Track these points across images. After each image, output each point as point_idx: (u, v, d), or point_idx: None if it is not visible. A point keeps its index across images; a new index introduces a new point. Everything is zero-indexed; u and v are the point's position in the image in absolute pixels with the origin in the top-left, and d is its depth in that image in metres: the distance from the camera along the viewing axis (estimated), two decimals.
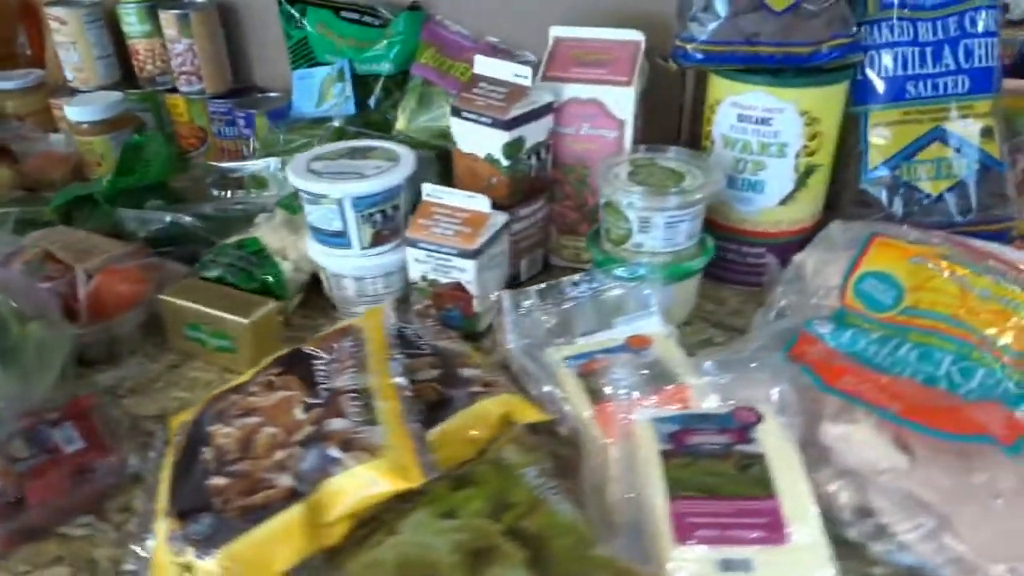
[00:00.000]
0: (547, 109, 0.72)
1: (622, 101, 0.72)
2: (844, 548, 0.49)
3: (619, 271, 0.67)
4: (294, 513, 0.47)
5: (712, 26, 0.68)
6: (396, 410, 0.51)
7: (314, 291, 0.77)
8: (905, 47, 0.69)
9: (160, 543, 0.48)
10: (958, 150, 0.69)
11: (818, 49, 0.67)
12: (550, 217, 0.79)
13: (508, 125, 0.68)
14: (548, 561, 0.42)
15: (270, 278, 0.72)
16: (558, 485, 0.48)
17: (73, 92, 1.11)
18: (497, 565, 0.42)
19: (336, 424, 0.50)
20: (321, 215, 0.69)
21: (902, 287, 0.61)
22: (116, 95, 1.03)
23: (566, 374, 0.60)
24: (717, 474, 0.50)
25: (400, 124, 0.91)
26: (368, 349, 0.57)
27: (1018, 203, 0.73)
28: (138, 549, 0.49)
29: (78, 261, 0.72)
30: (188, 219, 0.81)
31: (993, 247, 0.67)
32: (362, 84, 0.95)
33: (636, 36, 0.74)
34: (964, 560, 0.45)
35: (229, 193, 0.94)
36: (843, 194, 0.75)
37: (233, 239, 0.77)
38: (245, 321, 0.65)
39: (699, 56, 0.69)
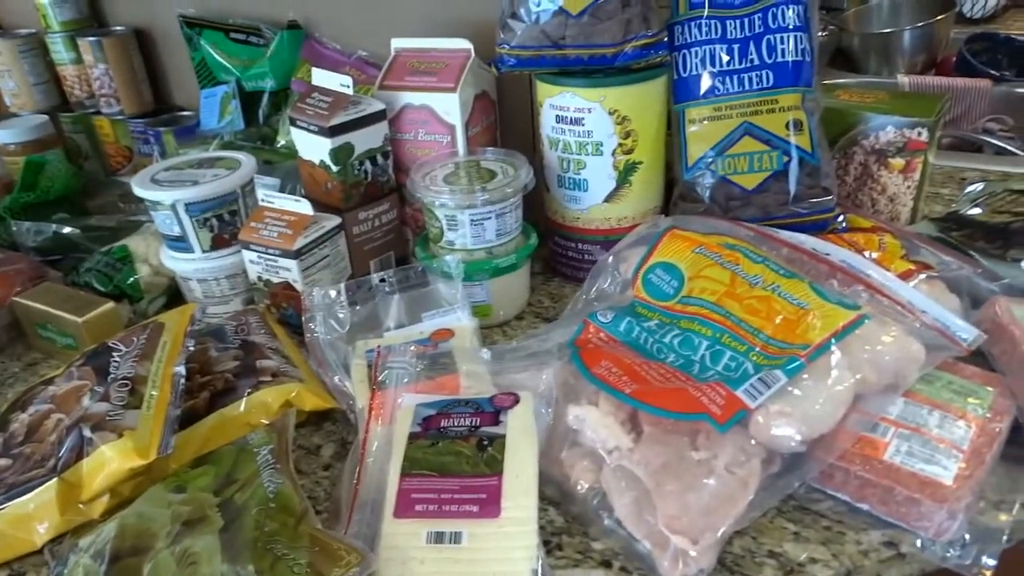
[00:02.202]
0: (377, 117, 0.75)
1: (449, 107, 0.75)
2: (576, 523, 0.51)
3: (432, 267, 0.70)
4: (49, 489, 0.51)
5: (521, 32, 0.70)
6: (162, 396, 0.55)
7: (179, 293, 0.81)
8: (714, 45, 0.71)
9: None
10: (768, 143, 0.70)
11: (621, 49, 0.69)
12: (402, 220, 0.82)
13: (331, 132, 0.72)
14: (238, 529, 0.45)
15: (127, 281, 0.77)
16: (281, 464, 0.50)
17: (12, 117, 1.18)
18: (197, 532, 0.45)
19: (98, 408, 0.54)
20: (161, 221, 0.74)
21: (683, 276, 0.62)
22: (41, 118, 1.09)
23: (359, 365, 0.63)
24: (454, 454, 0.52)
25: (281, 137, 0.95)
26: (163, 342, 0.61)
27: (858, 195, 0.74)
28: None
29: None
30: (68, 229, 0.86)
31: (796, 237, 0.68)
32: (251, 100, 1.00)
33: (465, 45, 0.77)
34: (657, 532, 0.46)
35: (129, 206, 1.00)
36: (674, 190, 0.76)
37: (106, 247, 0.82)
38: (79, 320, 0.70)
39: (513, 61, 0.72)
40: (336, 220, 0.74)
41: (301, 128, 0.75)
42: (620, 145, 0.72)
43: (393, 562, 0.47)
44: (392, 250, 0.82)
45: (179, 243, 0.75)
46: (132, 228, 0.89)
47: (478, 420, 0.54)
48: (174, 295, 0.81)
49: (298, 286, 0.71)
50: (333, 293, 0.68)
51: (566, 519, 0.52)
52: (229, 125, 1.01)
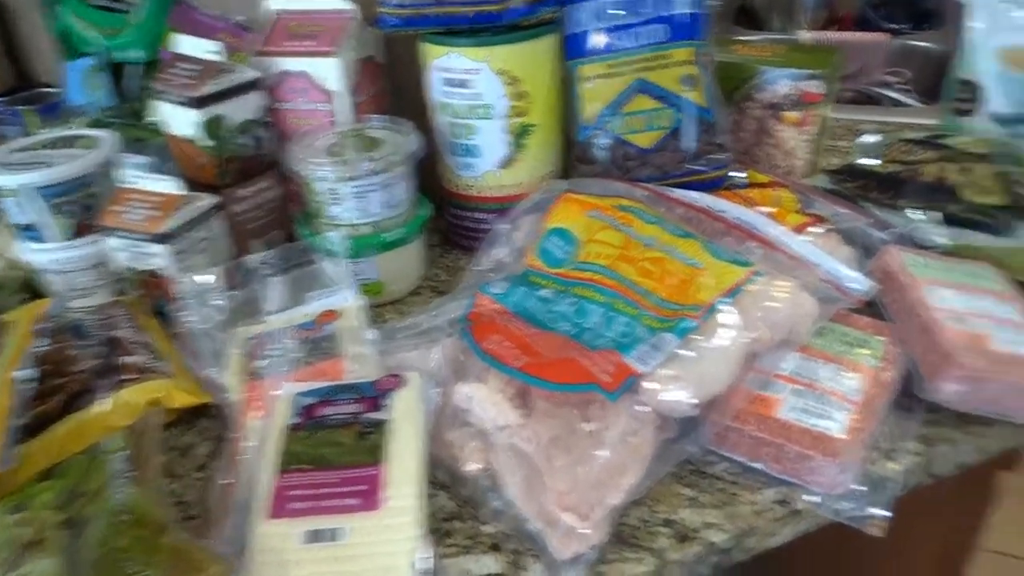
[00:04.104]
0: (251, 86, 0.70)
1: (328, 72, 0.70)
2: (466, 507, 0.48)
3: (315, 245, 0.65)
4: None
5: None
6: (2, 406, 0.50)
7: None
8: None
9: None
10: (662, 100, 0.68)
11: (508, 6, 0.66)
12: (287, 197, 0.77)
13: (199, 103, 0.66)
14: (82, 548, 0.40)
15: None
16: (139, 471, 0.46)
17: None
18: (36, 556, 0.40)
19: None
20: (10, 208, 0.67)
21: (577, 241, 0.60)
22: None
23: (234, 355, 0.59)
24: (334, 444, 0.49)
25: (153, 112, 0.88)
26: (6, 343, 0.55)
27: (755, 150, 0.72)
28: None
29: None
30: None
31: (690, 196, 0.66)
32: (119, 72, 0.92)
33: (346, 5, 0.72)
34: (547, 511, 0.44)
35: None
36: (572, 152, 0.74)
37: None
38: None
39: (394, 20, 0.68)
40: (212, 199, 0.68)
41: (167, 100, 0.69)
42: (512, 108, 0.69)
43: (267, 566, 0.43)
44: (278, 229, 0.77)
45: (32, 232, 0.68)
46: None
47: (360, 406, 0.51)
48: (36, 290, 0.74)
49: (169, 273, 0.66)
50: (206, 278, 0.63)
51: (457, 503, 0.49)
52: (99, 99, 0.93)
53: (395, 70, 0.80)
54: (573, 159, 0.74)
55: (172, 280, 0.66)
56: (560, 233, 0.61)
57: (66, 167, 0.66)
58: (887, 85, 1.20)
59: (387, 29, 0.69)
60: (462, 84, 0.68)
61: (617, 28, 0.69)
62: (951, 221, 0.66)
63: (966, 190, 0.67)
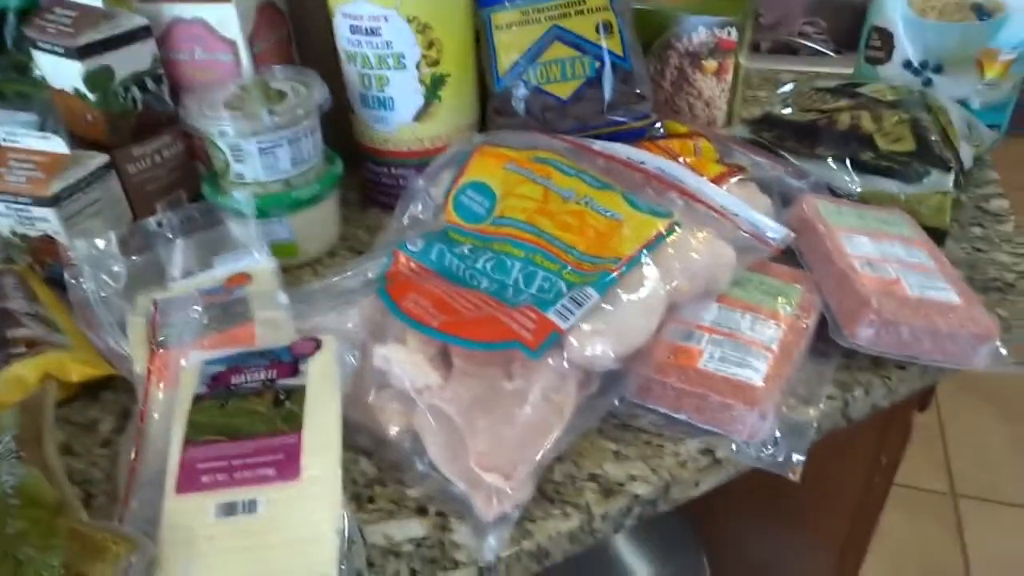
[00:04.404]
0: (139, 34, 0.65)
1: (226, 18, 0.66)
2: (392, 471, 0.47)
3: (222, 205, 0.62)
4: None
5: None
6: None
7: None
8: None
9: None
10: (579, 48, 0.67)
11: None
12: (190, 154, 0.73)
13: (80, 53, 0.61)
14: None
15: None
16: (28, 451, 0.43)
17: None
18: None
19: None
20: None
21: (495, 196, 0.58)
22: None
23: (137, 323, 0.55)
24: (247, 413, 0.46)
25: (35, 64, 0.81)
26: None
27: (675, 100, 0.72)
28: None
29: None
30: None
31: (610, 147, 0.65)
32: None
33: None
34: (469, 472, 0.43)
35: None
36: (488, 105, 0.71)
37: None
38: None
39: None
40: (103, 158, 0.64)
41: (45, 51, 0.63)
42: (424, 56, 0.66)
43: (177, 543, 0.41)
44: (181, 188, 0.73)
45: None
46: None
47: (274, 372, 0.48)
48: None
49: (61, 238, 0.61)
50: (102, 243, 0.58)
51: (379, 468, 0.47)
52: None
53: (298, 16, 0.75)
54: (491, 111, 0.71)
55: (65, 246, 0.61)
56: (477, 187, 0.59)
57: None
58: (805, 35, 1.22)
59: None
60: (371, 32, 0.65)
61: None
62: (864, 168, 0.67)
63: (878, 138, 0.68)
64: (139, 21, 0.65)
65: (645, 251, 0.51)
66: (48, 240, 0.62)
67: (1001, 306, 0.58)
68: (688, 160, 0.65)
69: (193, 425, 0.46)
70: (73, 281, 0.57)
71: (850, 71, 0.89)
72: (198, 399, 0.47)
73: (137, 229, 0.60)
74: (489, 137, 0.63)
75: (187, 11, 0.66)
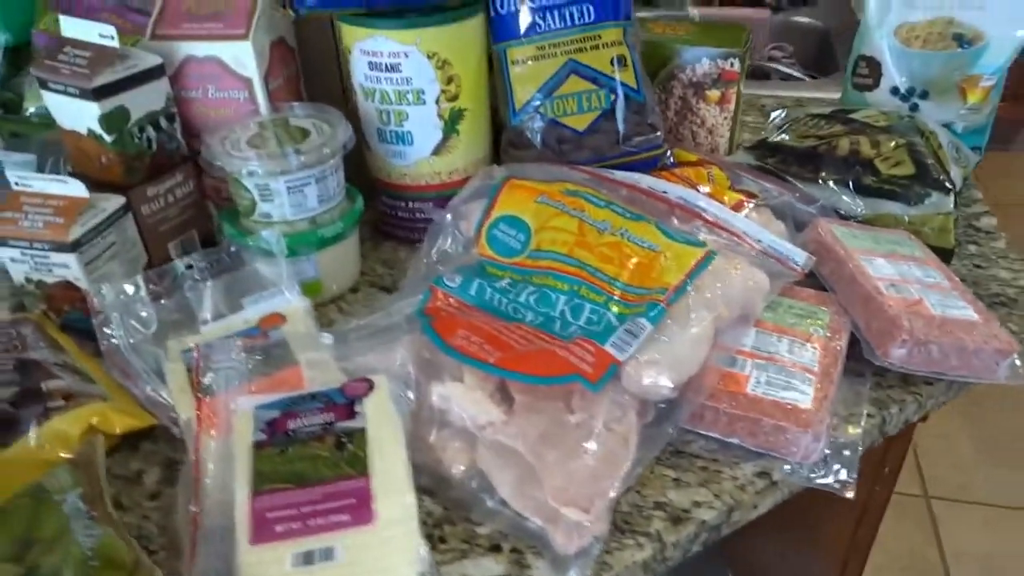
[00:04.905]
0: (154, 73, 0.64)
1: (242, 57, 0.65)
2: (459, 510, 0.47)
3: (247, 245, 0.61)
4: None
5: None
6: None
7: None
8: None
9: None
10: (595, 82, 0.68)
11: None
12: (202, 193, 0.72)
13: (97, 95, 0.60)
14: None
15: None
16: (97, 509, 0.41)
17: None
18: None
19: None
20: None
21: (530, 229, 0.59)
22: None
23: (176, 370, 0.54)
24: (310, 458, 0.46)
25: (30, 102, 0.79)
26: None
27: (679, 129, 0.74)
28: None
29: None
30: None
31: (632, 177, 0.67)
32: None
33: None
34: (545, 507, 0.43)
35: None
36: (503, 137, 0.72)
37: None
38: None
39: (313, 1, 0.63)
40: (119, 200, 0.62)
41: (56, 91, 0.61)
42: (443, 92, 0.67)
43: None
44: (193, 228, 0.72)
45: None
46: None
47: (331, 415, 0.48)
48: None
49: (81, 284, 0.60)
50: (130, 288, 0.57)
51: (445, 507, 0.47)
52: None
53: (304, 52, 0.75)
54: (505, 144, 0.72)
55: (86, 292, 0.60)
56: (510, 221, 0.60)
57: None
58: (774, 60, 1.26)
59: (304, 10, 0.65)
60: (391, 68, 0.65)
61: (544, 8, 0.68)
62: (867, 192, 0.70)
63: (878, 162, 0.71)
64: (153, 60, 0.64)
65: (689, 280, 0.53)
66: (65, 287, 0.60)
67: (1010, 320, 0.62)
68: (705, 188, 0.67)
69: (258, 474, 0.45)
70: (104, 329, 0.56)
71: (829, 96, 0.93)
72: (258, 446, 0.47)
73: (164, 272, 0.59)
74: (514, 170, 0.64)
75: (201, 49, 0.65)
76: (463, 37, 0.66)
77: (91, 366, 0.56)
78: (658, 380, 0.48)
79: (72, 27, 0.62)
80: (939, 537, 1.49)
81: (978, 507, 1.53)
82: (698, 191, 0.66)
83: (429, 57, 0.65)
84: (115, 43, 0.62)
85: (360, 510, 0.43)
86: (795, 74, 1.19)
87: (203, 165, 0.62)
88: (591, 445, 0.45)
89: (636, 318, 0.50)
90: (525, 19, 0.67)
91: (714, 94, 0.77)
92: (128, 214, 0.64)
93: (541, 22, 0.67)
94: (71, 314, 0.62)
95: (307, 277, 0.64)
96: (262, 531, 0.42)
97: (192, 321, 0.59)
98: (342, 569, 0.42)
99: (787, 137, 0.79)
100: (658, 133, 0.71)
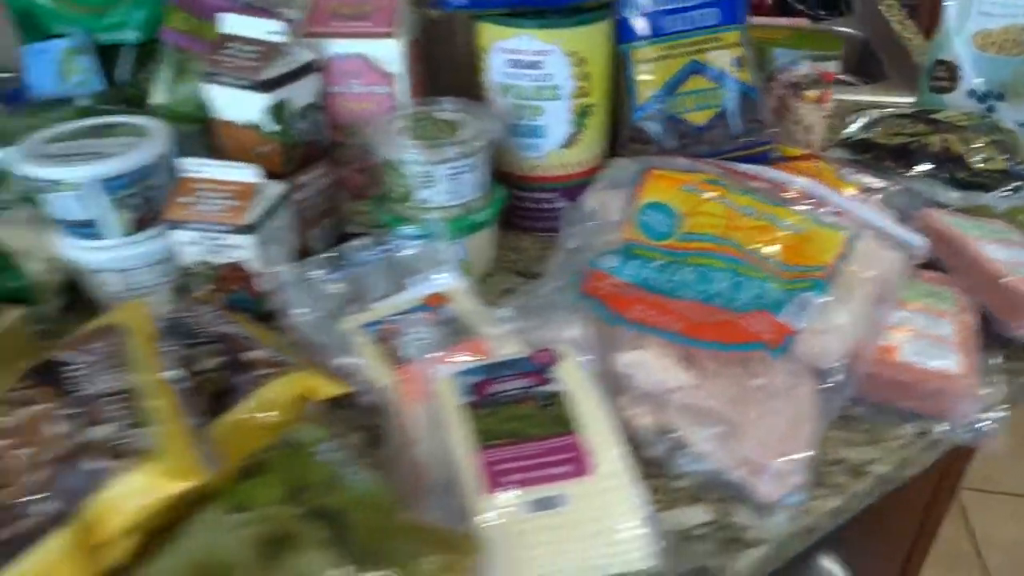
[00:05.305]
0: (309, 68, 0.67)
1: (387, 54, 0.69)
2: (651, 467, 0.51)
3: (407, 230, 0.65)
4: (58, 540, 0.41)
5: None
6: (169, 407, 0.46)
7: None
8: None
9: None
10: (716, 80, 0.73)
11: None
12: (338, 183, 0.75)
13: (267, 87, 0.63)
14: (349, 536, 0.39)
15: (14, 283, 0.63)
16: (358, 457, 0.45)
17: None
18: (296, 551, 0.39)
19: (96, 432, 0.44)
20: (62, 205, 0.61)
21: (677, 214, 0.63)
22: None
23: (363, 342, 0.57)
24: (520, 418, 0.49)
25: (158, 97, 0.81)
26: (131, 346, 0.51)
27: (776, 127, 0.79)
28: None
29: None
30: None
31: (755, 169, 0.71)
32: (107, 56, 0.84)
33: None
34: (751, 460, 0.48)
35: None
36: (621, 132, 0.77)
37: None
38: None
39: (462, 1, 0.68)
40: (280, 187, 0.66)
41: (223, 84, 0.65)
42: (578, 88, 0.71)
43: (497, 539, 0.44)
44: (331, 216, 0.75)
45: (87, 229, 0.62)
46: None
47: (527, 381, 0.52)
48: (72, 293, 0.68)
49: (252, 265, 0.63)
50: (308, 268, 0.61)
51: (640, 464, 0.51)
52: (81, 86, 0.85)
53: (430, 51, 0.79)
54: (624, 137, 0.77)
55: (257, 273, 0.63)
56: (657, 207, 0.64)
57: (129, 156, 0.61)
58: None
59: (450, 10, 0.69)
60: (531, 66, 0.69)
61: (670, 11, 0.72)
62: (960, 185, 0.76)
63: (969, 157, 0.76)
64: (308, 56, 0.67)
65: (841, 260, 0.57)
66: (234, 268, 0.63)
67: None
68: (822, 181, 0.72)
69: (477, 432, 0.49)
70: (285, 307, 0.59)
71: (896, 99, 0.98)
72: (468, 408, 0.50)
73: (338, 255, 0.62)
74: (649, 162, 0.68)
75: (348, 47, 0.69)
76: (597, 37, 0.71)
77: (273, 340, 0.59)
78: (828, 349, 0.52)
79: (237, 24, 0.66)
80: (969, 526, 1.55)
81: (1007, 497, 1.60)
82: (818, 182, 0.70)
83: (569, 55, 0.69)
84: (282, 39, 0.65)
85: (578, 463, 0.47)
86: (849, 80, 1.25)
87: (345, 155, 0.66)
88: (781, 405, 0.50)
89: (803, 293, 0.55)
90: (652, 22, 0.72)
91: (812, 94, 0.82)
92: (289, 200, 0.67)
93: (667, 25, 0.72)
94: (237, 294, 0.65)
95: (458, 260, 0.67)
96: (494, 481, 0.46)
97: (362, 300, 0.62)
98: (569, 515, 0.45)
99: (873, 135, 0.84)
100: (769, 129, 0.76)
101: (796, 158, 0.77)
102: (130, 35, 0.83)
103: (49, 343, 0.62)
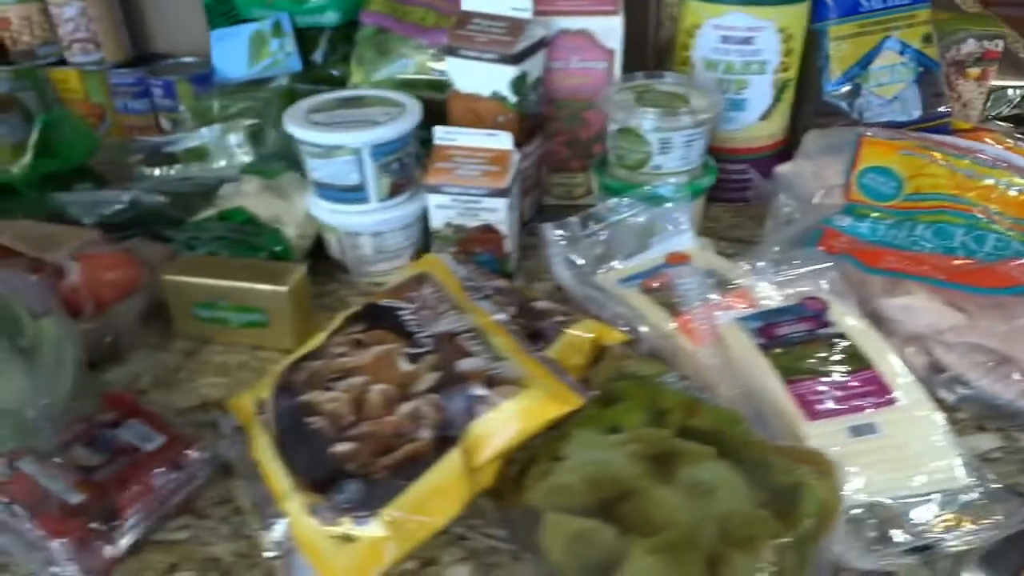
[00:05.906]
0: (543, 43, 0.72)
1: (611, 31, 0.73)
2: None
3: (646, 193, 0.69)
4: (453, 460, 0.45)
5: None
6: (513, 345, 0.51)
7: (318, 257, 0.72)
8: None
9: (300, 520, 0.44)
10: (906, 56, 0.78)
11: None
12: (544, 155, 0.79)
13: (516, 59, 0.68)
14: (733, 451, 0.44)
15: (277, 247, 0.67)
16: (697, 386, 0.49)
17: None
18: (687, 464, 0.43)
19: (468, 364, 0.48)
20: (334, 169, 0.65)
21: (900, 177, 0.68)
22: None
23: (632, 295, 0.62)
24: (813, 357, 0.54)
25: (357, 77, 0.86)
26: (450, 293, 0.55)
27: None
28: (268, 535, 0.45)
29: (43, 251, 0.62)
30: (157, 197, 0.72)
31: (947, 138, 0.76)
32: (302, 39, 0.89)
33: None
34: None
35: (161, 170, 0.85)
36: (806, 106, 0.81)
37: (209, 213, 0.70)
38: (283, 289, 0.60)
39: None
40: (519, 154, 0.70)
41: (469, 58, 0.69)
42: (781, 63, 0.76)
43: None
44: (538, 188, 0.79)
45: (353, 193, 0.66)
46: (201, 193, 0.76)
47: (808, 325, 0.56)
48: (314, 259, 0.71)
49: (503, 227, 0.67)
50: (567, 229, 0.65)
51: None
52: (274, 68, 0.89)
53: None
54: (809, 111, 0.81)
55: (504, 234, 0.67)
56: (879, 171, 0.68)
57: (395, 125, 0.65)
58: None
59: None
60: (743, 41, 0.74)
61: None
62: None
63: None
64: (541, 31, 0.72)
65: None
66: (485, 230, 0.68)
67: None
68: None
69: (781, 368, 0.53)
70: (553, 264, 0.63)
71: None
72: (763, 348, 0.55)
73: (589, 216, 0.67)
74: (860, 131, 0.73)
75: (574, 23, 0.73)
76: (802, 15, 0.75)
77: (534, 293, 0.63)
78: None
79: (478, 2, 0.70)
80: None
81: None
82: (1007, 150, 0.75)
83: (780, 31, 0.73)
84: (528, 15, 0.69)
85: (880, 394, 0.51)
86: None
87: (560, 128, 0.69)
88: None
89: None
90: (849, 1, 0.77)
91: (974, 71, 0.87)
92: (519, 168, 0.71)
93: (865, 3, 0.77)
94: (482, 255, 0.69)
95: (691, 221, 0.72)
96: (811, 411, 0.50)
97: (608, 259, 0.66)
98: (885, 440, 0.50)
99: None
100: (945, 101, 0.80)
101: (967, 131, 0.82)
102: (329, 18, 0.87)
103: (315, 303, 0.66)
